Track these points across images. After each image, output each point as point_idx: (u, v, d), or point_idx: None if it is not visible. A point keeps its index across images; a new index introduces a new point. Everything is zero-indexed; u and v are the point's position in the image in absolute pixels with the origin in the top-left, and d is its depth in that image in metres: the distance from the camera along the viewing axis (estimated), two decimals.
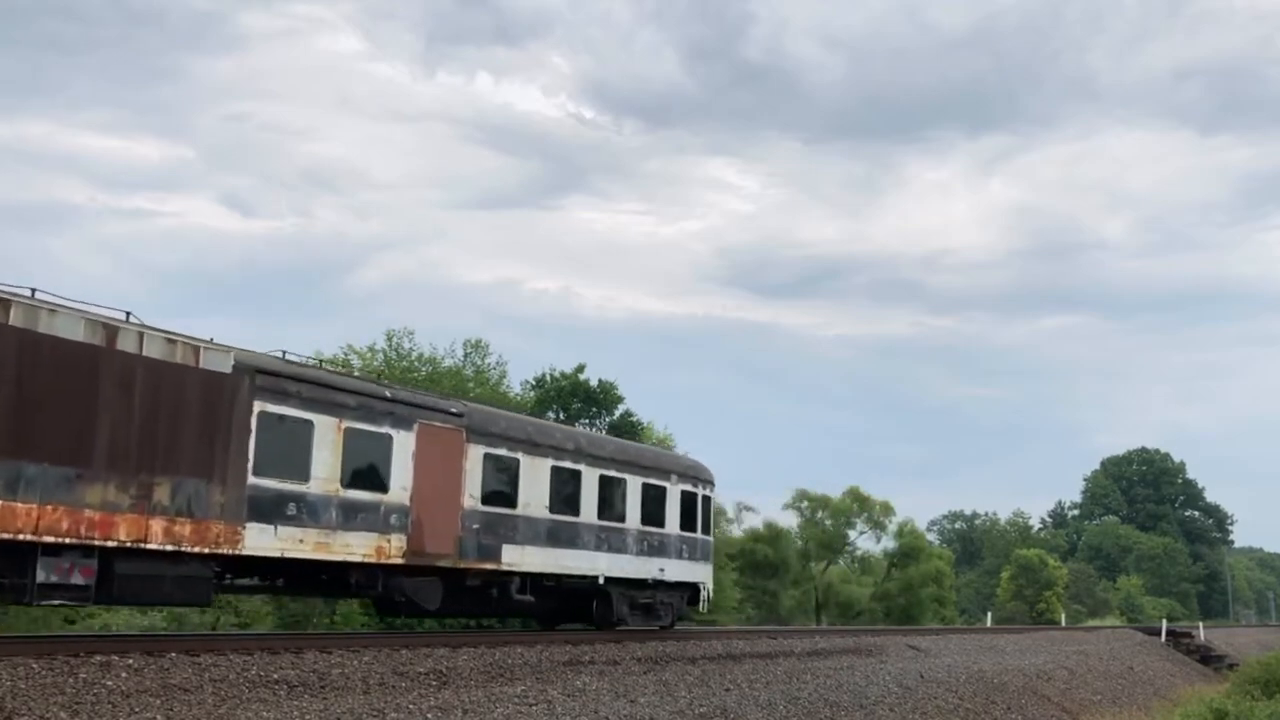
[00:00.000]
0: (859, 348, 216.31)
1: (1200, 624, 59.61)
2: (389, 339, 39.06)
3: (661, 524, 23.88)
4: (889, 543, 62.77)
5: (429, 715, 13.98)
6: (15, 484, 12.58)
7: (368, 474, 16.99)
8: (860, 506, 61.33)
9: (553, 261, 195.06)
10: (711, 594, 26.68)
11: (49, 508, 12.83)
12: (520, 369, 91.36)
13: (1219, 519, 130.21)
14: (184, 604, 17.28)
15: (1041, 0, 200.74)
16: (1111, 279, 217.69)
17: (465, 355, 41.29)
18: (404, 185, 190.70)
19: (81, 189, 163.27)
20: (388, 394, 17.84)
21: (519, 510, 19.93)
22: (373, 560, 16.97)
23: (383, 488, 17.19)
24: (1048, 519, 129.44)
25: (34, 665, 12.03)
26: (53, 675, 11.91)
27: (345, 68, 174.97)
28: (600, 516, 21.97)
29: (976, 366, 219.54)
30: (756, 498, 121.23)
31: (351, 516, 16.58)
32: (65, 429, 13.07)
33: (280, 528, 15.45)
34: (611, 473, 22.51)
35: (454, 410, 19.06)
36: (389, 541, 17.21)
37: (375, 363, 37.31)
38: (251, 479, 15.12)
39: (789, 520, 59.93)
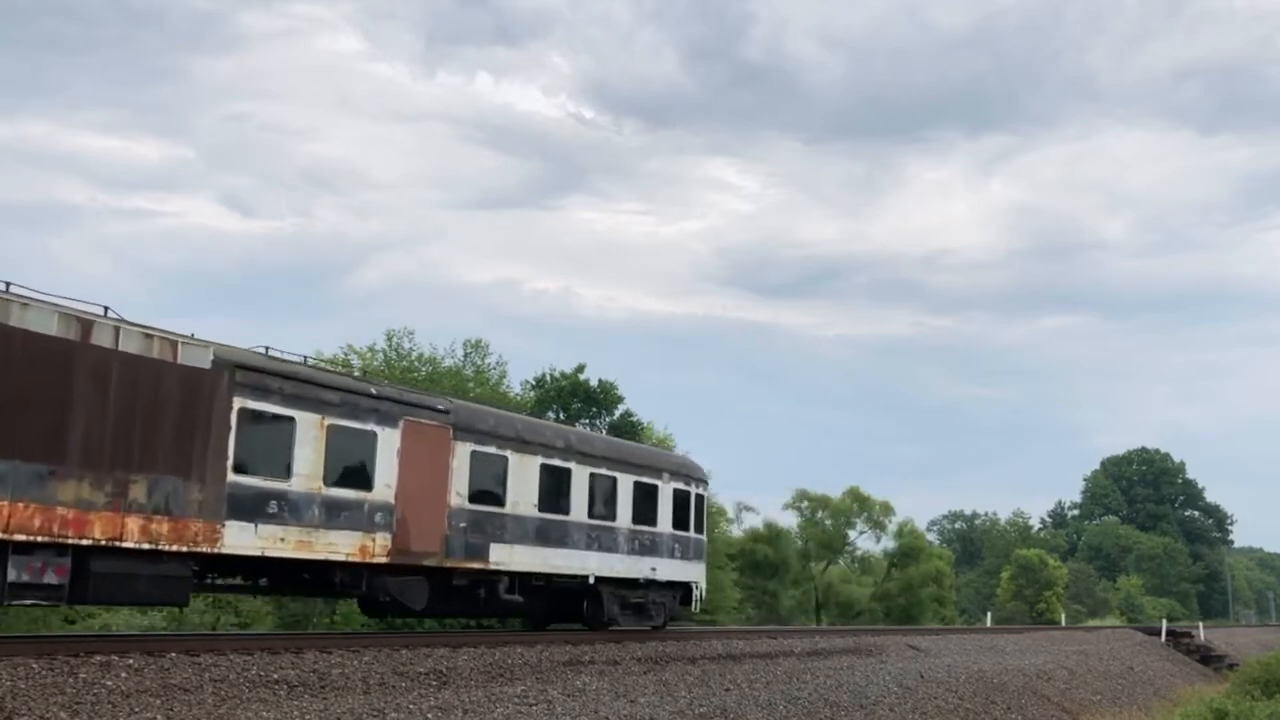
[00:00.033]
0: (859, 348, 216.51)
1: (1200, 624, 59.58)
2: (389, 339, 39.06)
3: (653, 523, 23.62)
4: (889, 543, 62.85)
5: (429, 715, 13.98)
6: None
7: (352, 471, 16.74)
8: (860, 506, 61.34)
9: (553, 261, 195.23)
10: (704, 594, 26.35)
11: (20, 505, 12.57)
12: (520, 369, 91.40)
13: (1219, 519, 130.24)
14: (162, 604, 17.04)
15: (1041, 0, 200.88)
16: (1111, 279, 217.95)
17: (465, 355, 41.28)
18: (404, 185, 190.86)
19: (81, 189, 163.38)
20: (372, 390, 17.58)
21: (507, 509, 19.69)
22: (357, 559, 16.72)
23: (367, 486, 16.95)
24: (1048, 519, 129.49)
25: (34, 665, 12.04)
26: (53, 675, 11.92)
27: (345, 68, 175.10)
28: (591, 515, 21.72)
29: (976, 366, 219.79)
30: (756, 498, 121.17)
31: (335, 515, 16.33)
32: (38, 425, 12.81)
33: (261, 526, 15.20)
34: (602, 471, 22.24)
35: (440, 407, 18.83)
36: (373, 540, 16.96)
37: (375, 363, 37.29)
38: (231, 476, 14.88)
39: (789, 520, 60.01)
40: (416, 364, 38.64)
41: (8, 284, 13.00)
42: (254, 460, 15.23)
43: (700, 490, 25.91)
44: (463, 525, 18.67)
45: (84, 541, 13.22)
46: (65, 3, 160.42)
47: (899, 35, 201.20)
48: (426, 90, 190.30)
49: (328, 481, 16.24)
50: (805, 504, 61.04)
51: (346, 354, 37.47)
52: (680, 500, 24.72)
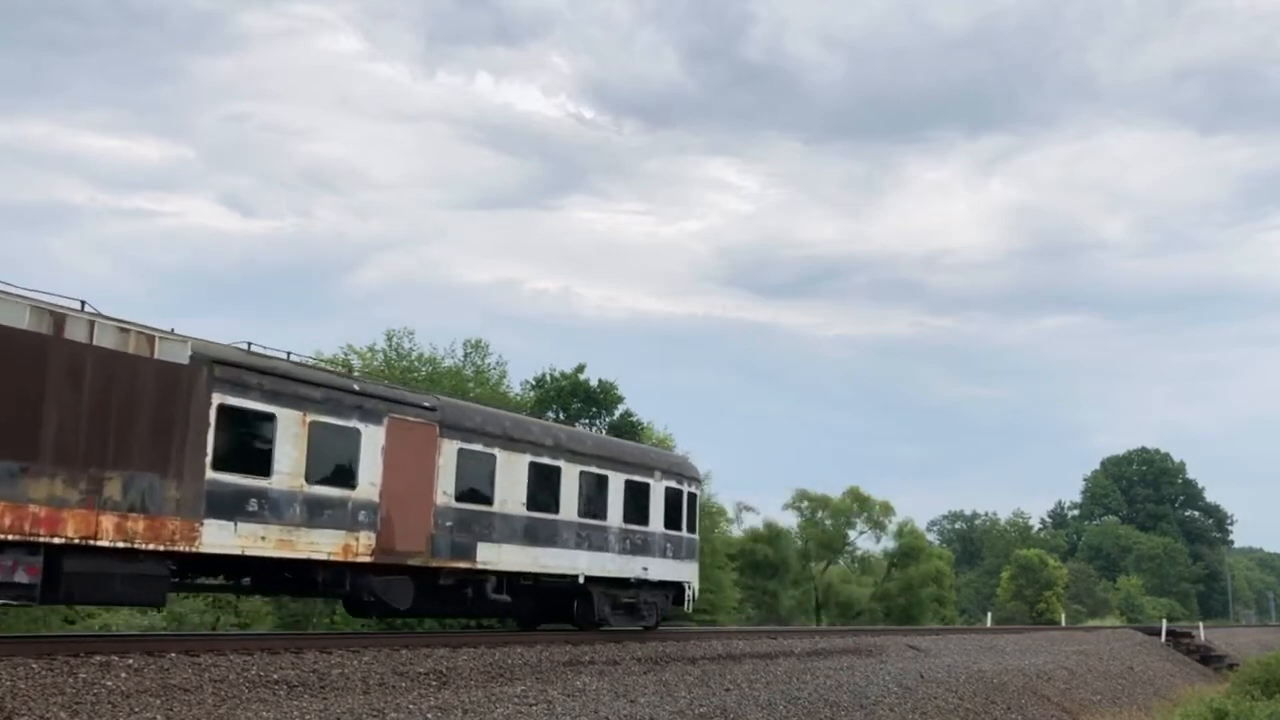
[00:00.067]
0: (859, 348, 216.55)
1: (1200, 624, 59.58)
2: (389, 339, 39.07)
3: (645, 522, 23.36)
4: (889, 543, 62.87)
5: (429, 715, 13.99)
6: None
7: (335, 469, 16.50)
8: (860, 506, 61.36)
9: (553, 261, 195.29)
10: (697, 594, 26.06)
11: None
12: (520, 369, 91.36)
13: (1219, 519, 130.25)
14: (138, 603, 16.76)
15: (1041, 0, 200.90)
16: (1111, 279, 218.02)
17: (465, 355, 41.28)
18: (404, 185, 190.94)
19: (81, 189, 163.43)
20: (356, 387, 17.38)
21: (495, 507, 19.44)
22: (340, 559, 16.48)
23: (350, 484, 16.72)
24: (1048, 519, 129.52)
25: (34, 665, 12.04)
26: (53, 675, 11.92)
27: (345, 68, 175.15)
28: (581, 514, 21.45)
29: (976, 366, 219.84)
30: (756, 498, 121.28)
31: (317, 513, 16.08)
32: (9, 420, 12.58)
33: (241, 524, 14.97)
34: (592, 469, 21.98)
35: (426, 404, 18.60)
36: (357, 539, 16.72)
37: (375, 363, 37.31)
38: (210, 474, 14.64)
39: (789, 520, 60.04)
40: (416, 364, 38.65)
41: None
42: (234, 457, 14.99)
43: (693, 489, 25.66)
44: (449, 524, 18.44)
45: (56, 540, 12.98)
46: (65, 3, 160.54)
47: (899, 35, 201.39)
48: (426, 90, 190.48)
49: (310, 479, 16.01)
50: (805, 504, 61.08)
51: (346, 354, 37.50)
52: (672, 499, 24.45)
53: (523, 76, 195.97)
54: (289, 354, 16.64)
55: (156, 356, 14.15)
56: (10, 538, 12.61)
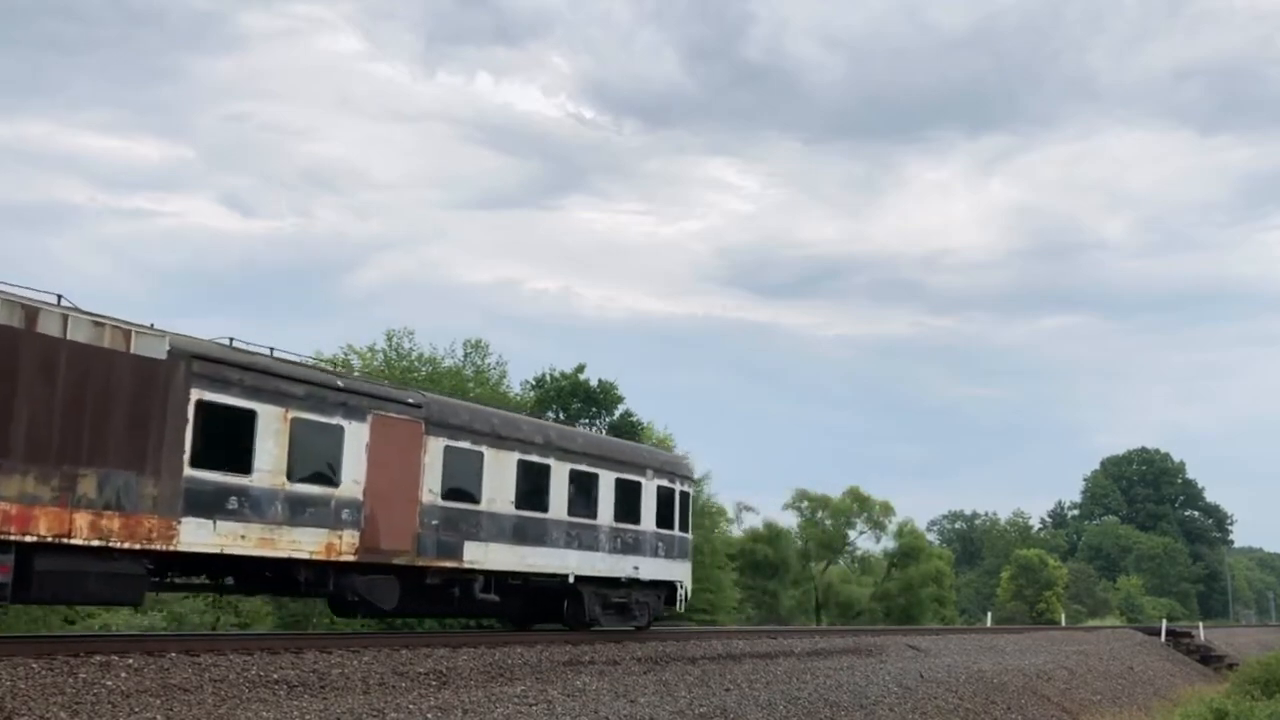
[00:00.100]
0: (859, 348, 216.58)
1: (1200, 624, 59.54)
2: (389, 339, 39.11)
3: (636, 520, 23.10)
4: (889, 543, 62.91)
5: (429, 715, 14.00)
6: None
7: (317, 467, 16.25)
8: (860, 506, 61.38)
9: (553, 261, 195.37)
10: (690, 593, 25.76)
11: None
12: (520, 369, 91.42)
13: (1219, 519, 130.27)
14: (113, 603, 16.44)
15: (1041, 0, 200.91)
16: (1111, 279, 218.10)
17: (465, 355, 41.32)
18: (404, 185, 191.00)
19: (81, 189, 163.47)
20: (339, 383, 17.16)
21: (483, 506, 19.20)
22: (322, 558, 16.22)
23: (333, 481, 16.48)
24: (1048, 519, 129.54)
25: (34, 665, 12.05)
26: (53, 675, 11.92)
27: (345, 68, 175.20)
28: (571, 513, 21.20)
29: (976, 366, 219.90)
30: (756, 498, 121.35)
31: (299, 511, 15.83)
32: None
33: (220, 522, 14.72)
34: (583, 467, 21.72)
35: (412, 401, 18.34)
36: (340, 538, 16.46)
37: (375, 363, 37.33)
38: (188, 471, 14.37)
39: (789, 520, 60.08)
40: (416, 364, 38.66)
41: None
42: (213, 454, 14.73)
43: (686, 487, 25.39)
44: (435, 523, 18.20)
45: (28, 538, 12.73)
46: (65, 3, 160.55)
47: (899, 35, 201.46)
48: (426, 90, 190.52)
49: (291, 477, 15.77)
50: (805, 504, 61.10)
51: (346, 354, 37.53)
52: (664, 498, 24.20)
53: (523, 76, 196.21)
54: (271, 350, 16.41)
55: (133, 351, 13.88)
56: None
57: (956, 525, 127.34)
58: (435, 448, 18.37)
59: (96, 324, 13.60)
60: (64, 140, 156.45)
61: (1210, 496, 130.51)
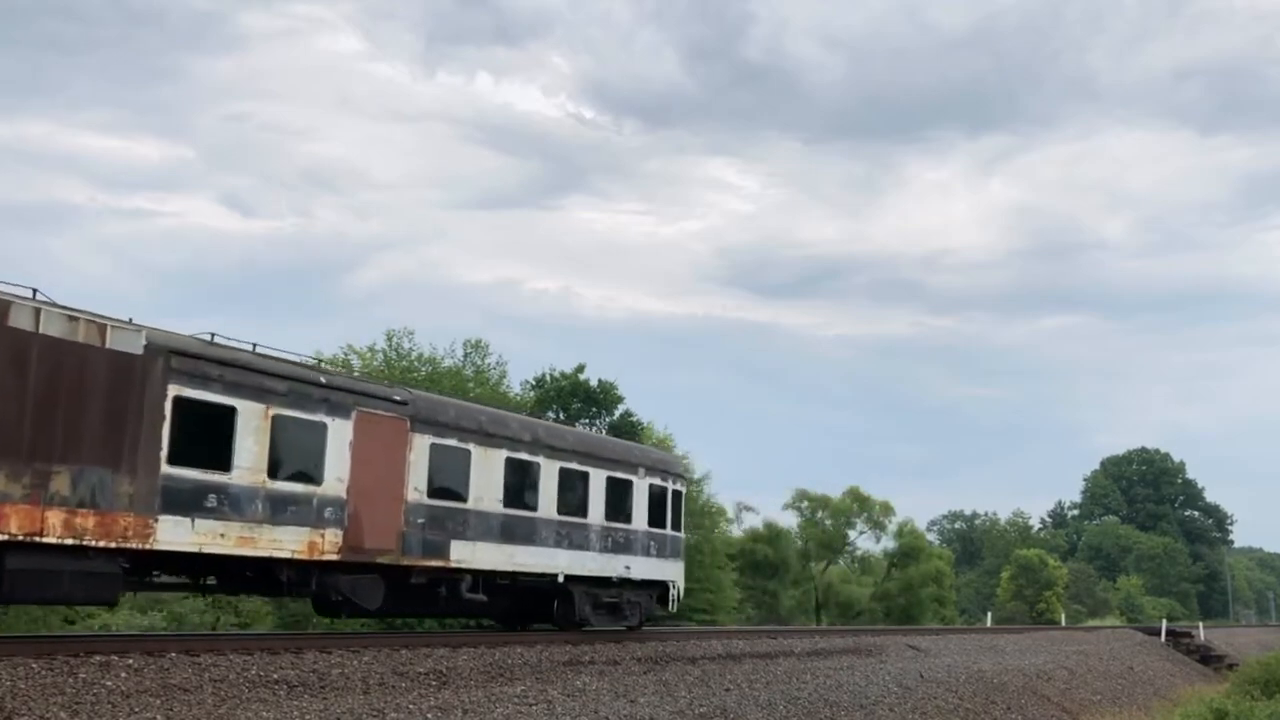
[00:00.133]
0: (859, 348, 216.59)
1: (1200, 624, 59.55)
2: (389, 339, 39.14)
3: (628, 519, 22.83)
4: (889, 543, 62.93)
5: (429, 715, 14.00)
6: None
7: (299, 464, 16.01)
8: (860, 506, 61.39)
9: (553, 261, 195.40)
10: (682, 593, 25.45)
11: None
12: (520, 369, 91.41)
13: (1219, 519, 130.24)
14: (87, 602, 16.05)
15: (1041, 0, 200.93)
16: (1111, 279, 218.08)
17: (465, 355, 41.35)
18: (404, 185, 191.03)
19: (81, 189, 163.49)
20: (322, 380, 16.86)
21: (470, 504, 18.94)
22: (304, 557, 15.95)
23: (316, 479, 16.20)
24: (1048, 519, 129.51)
25: (34, 665, 12.03)
26: (53, 675, 11.91)
27: (345, 68, 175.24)
28: (560, 511, 20.93)
29: (976, 366, 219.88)
30: (756, 498, 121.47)
31: (280, 509, 15.56)
32: None
33: (198, 521, 14.43)
34: (573, 465, 21.43)
35: (397, 398, 18.08)
36: (323, 536, 16.18)
37: (375, 363, 37.34)
38: (166, 468, 14.08)
39: (789, 520, 60.11)
40: (416, 364, 38.67)
41: None
42: (191, 451, 14.47)
43: (678, 486, 25.15)
44: (421, 521, 17.96)
45: None
46: (65, 3, 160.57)
47: (899, 35, 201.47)
48: (426, 90, 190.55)
49: (273, 475, 15.51)
50: (805, 504, 61.11)
51: (346, 354, 37.56)
52: (656, 496, 23.95)
53: (523, 76, 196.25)
54: (254, 346, 16.19)
55: (108, 346, 13.58)
56: None
57: (956, 525, 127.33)
58: (421, 445, 18.13)
59: (71, 318, 13.33)
60: (64, 140, 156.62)
61: (1210, 496, 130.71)
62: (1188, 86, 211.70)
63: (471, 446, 19.15)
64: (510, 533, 19.77)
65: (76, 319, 13.38)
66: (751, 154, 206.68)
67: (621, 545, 22.65)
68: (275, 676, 13.68)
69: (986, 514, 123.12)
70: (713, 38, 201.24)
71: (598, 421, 42.06)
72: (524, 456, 20.32)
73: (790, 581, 57.41)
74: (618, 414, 42.80)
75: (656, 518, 23.88)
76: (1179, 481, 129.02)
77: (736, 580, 49.52)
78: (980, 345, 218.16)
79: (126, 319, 14.21)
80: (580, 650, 19.05)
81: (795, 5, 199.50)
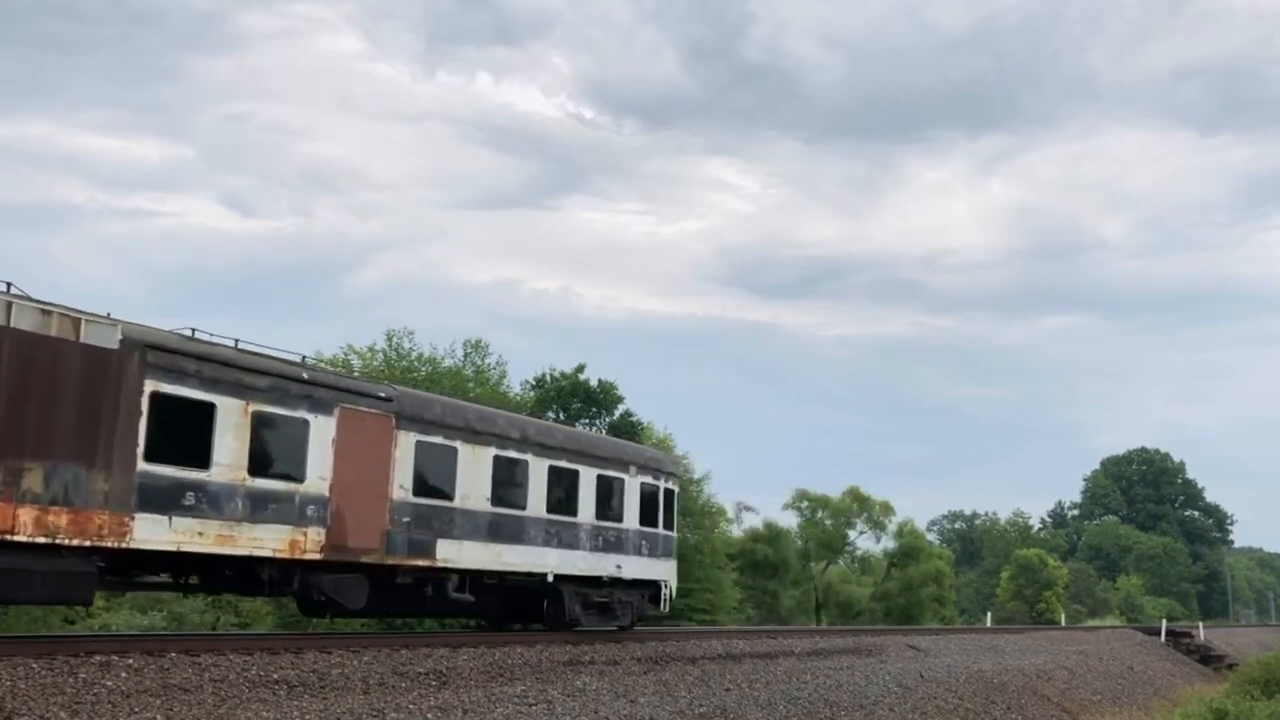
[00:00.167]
0: (859, 348, 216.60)
1: (1200, 624, 59.55)
2: (389, 339, 39.21)
3: (619, 518, 22.58)
4: (889, 543, 62.97)
5: (429, 715, 14.00)
6: None
7: (280, 461, 15.78)
8: (860, 506, 61.40)
9: (553, 261, 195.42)
10: (674, 593, 25.03)
11: None
12: (520, 369, 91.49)
13: (1219, 519, 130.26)
14: (61, 602, 15.75)
15: (1041, 0, 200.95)
16: (1111, 279, 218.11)
17: (465, 355, 41.41)
18: (404, 185, 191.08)
19: (81, 189, 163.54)
20: (304, 375, 16.55)
21: (456, 502, 18.69)
22: (286, 556, 15.70)
23: (298, 477, 15.95)
24: (1048, 519, 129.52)
25: (34, 665, 12.03)
26: (53, 675, 11.91)
27: (345, 68, 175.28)
28: (549, 510, 20.68)
29: (976, 366, 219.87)
30: (756, 498, 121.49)
31: (261, 507, 15.33)
32: None
33: (176, 519, 14.20)
34: (562, 463, 21.19)
35: (382, 394, 17.82)
36: (305, 535, 15.92)
37: (375, 363, 37.36)
38: (142, 465, 13.79)
39: (789, 520, 60.15)
40: (416, 364, 38.70)
41: None
42: (169, 448, 14.21)
43: (670, 484, 24.85)
44: (406, 520, 17.71)
45: None
46: (65, 3, 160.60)
47: (899, 35, 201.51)
48: (426, 90, 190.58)
49: (253, 472, 15.26)
50: (805, 504, 61.13)
51: (346, 354, 37.58)
52: (648, 494, 23.66)
53: (523, 76, 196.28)
54: (236, 341, 16.01)
55: (82, 340, 13.31)
56: None
57: (956, 525, 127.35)
58: (406, 442, 17.90)
59: (44, 311, 13.09)
60: (64, 140, 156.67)
61: (1210, 496, 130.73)
62: (1188, 86, 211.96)
63: (458, 444, 18.91)
64: (498, 531, 19.53)
65: (50, 312, 13.15)
66: (751, 154, 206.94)
67: (612, 544, 22.38)
68: (275, 676, 13.69)
69: (986, 514, 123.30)
70: (713, 38, 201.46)
71: (598, 422, 42.06)
72: (512, 454, 20.08)
73: (790, 581, 57.44)
74: (618, 414, 42.82)
75: (648, 516, 23.61)
76: (1179, 481, 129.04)
77: (736, 580, 49.54)
78: (980, 345, 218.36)
79: (105, 314, 14.00)
80: (580, 650, 19.04)
81: (795, 5, 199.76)
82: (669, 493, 24.73)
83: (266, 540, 15.45)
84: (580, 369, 43.03)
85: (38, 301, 13.19)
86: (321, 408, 16.49)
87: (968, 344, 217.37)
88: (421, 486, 18.12)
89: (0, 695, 11.09)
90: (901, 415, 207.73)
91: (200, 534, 14.54)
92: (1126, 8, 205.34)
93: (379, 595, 17.83)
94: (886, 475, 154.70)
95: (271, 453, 15.71)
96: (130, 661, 12.88)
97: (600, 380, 43.00)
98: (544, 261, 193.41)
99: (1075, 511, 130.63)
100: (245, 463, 15.19)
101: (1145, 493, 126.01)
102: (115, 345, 13.67)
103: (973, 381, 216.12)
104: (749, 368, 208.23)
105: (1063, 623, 62.40)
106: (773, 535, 55.39)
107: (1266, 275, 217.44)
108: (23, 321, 12.79)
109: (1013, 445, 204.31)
